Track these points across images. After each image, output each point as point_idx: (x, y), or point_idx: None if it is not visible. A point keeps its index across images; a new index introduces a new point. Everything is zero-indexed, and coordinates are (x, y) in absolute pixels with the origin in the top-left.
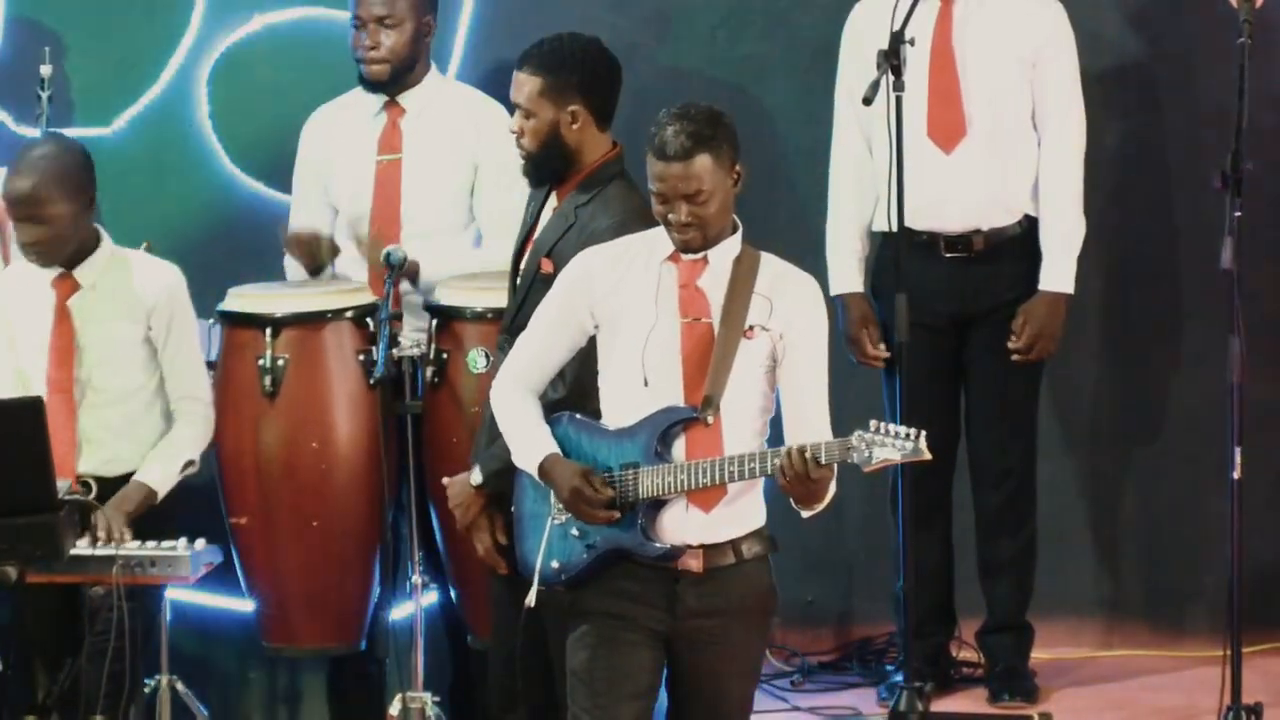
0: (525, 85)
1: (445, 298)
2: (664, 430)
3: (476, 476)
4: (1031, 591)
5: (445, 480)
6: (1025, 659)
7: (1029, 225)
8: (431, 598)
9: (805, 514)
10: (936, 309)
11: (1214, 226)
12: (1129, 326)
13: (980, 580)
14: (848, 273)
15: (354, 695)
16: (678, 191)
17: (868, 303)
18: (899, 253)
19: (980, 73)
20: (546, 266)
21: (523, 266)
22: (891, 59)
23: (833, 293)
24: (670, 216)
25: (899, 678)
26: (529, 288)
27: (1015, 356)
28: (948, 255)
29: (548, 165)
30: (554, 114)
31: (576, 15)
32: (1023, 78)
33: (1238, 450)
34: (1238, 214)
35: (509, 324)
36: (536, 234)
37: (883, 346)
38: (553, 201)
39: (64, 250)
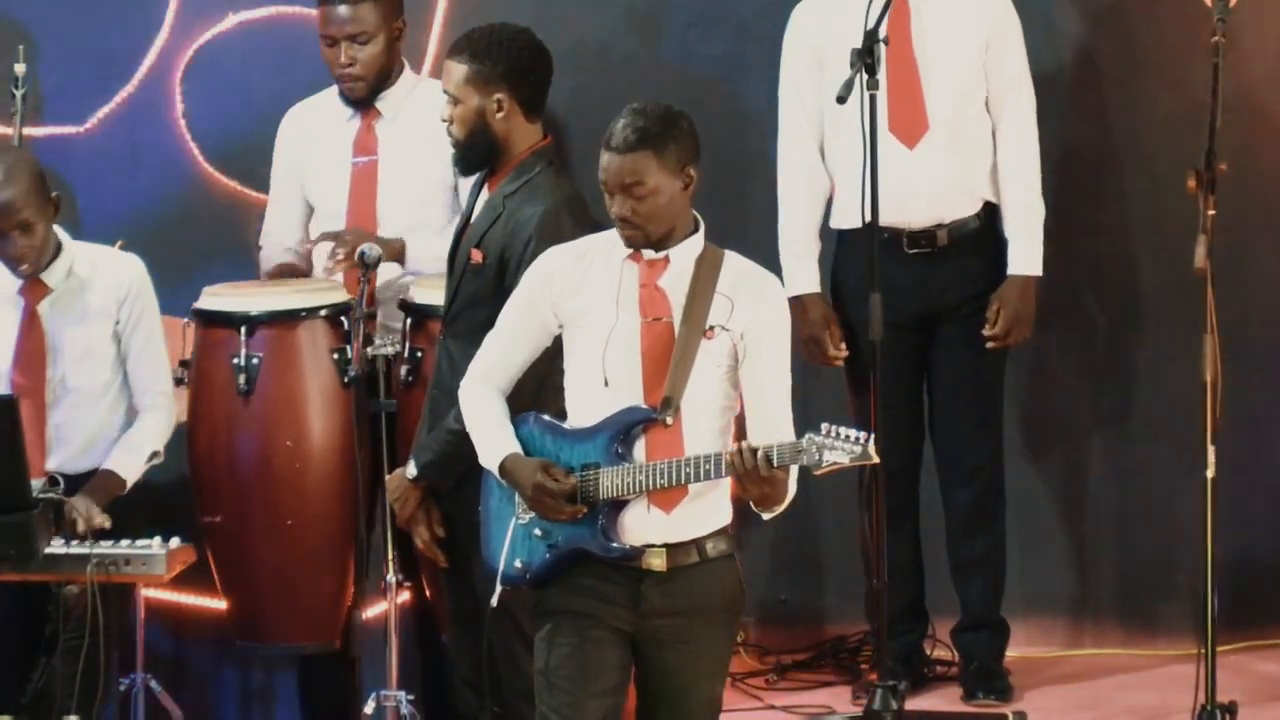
0: (453, 72)
1: (420, 296)
2: (624, 431)
3: (411, 469)
4: (1004, 587)
5: (387, 477)
6: (1000, 657)
7: (988, 214)
8: (405, 596)
9: (765, 516)
10: (902, 307)
11: (1187, 225)
12: (1103, 325)
13: (953, 578)
14: (804, 274)
15: (328, 694)
16: (617, 183)
17: (826, 303)
18: (872, 250)
19: (939, 66)
20: (476, 257)
21: (456, 258)
22: (865, 57)
23: (789, 294)
24: (612, 210)
25: (873, 676)
26: (460, 278)
27: (991, 344)
28: (911, 251)
29: (475, 153)
30: (479, 101)
31: (550, 13)
32: (978, 65)
33: (1211, 449)
34: (1211, 213)
35: (445, 315)
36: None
37: (845, 347)
38: (486, 193)
39: (44, 258)
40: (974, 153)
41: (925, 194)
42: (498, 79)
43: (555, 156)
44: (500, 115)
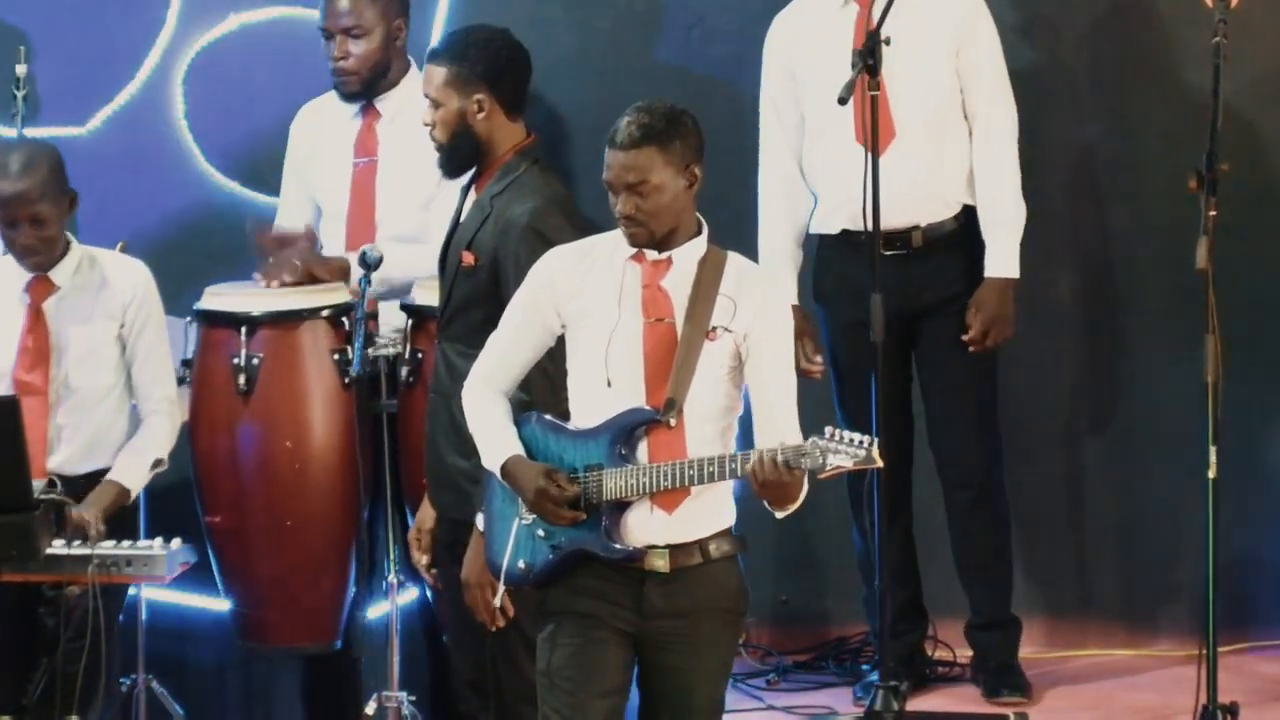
0: (433, 76)
1: (421, 298)
2: (626, 432)
3: (483, 523)
4: (1012, 583)
5: (464, 576)
6: (1016, 654)
7: (967, 217)
8: (407, 597)
9: (779, 514)
10: None
11: (1189, 226)
12: (1105, 326)
13: (961, 577)
14: (783, 284)
15: (329, 694)
16: (622, 181)
17: (801, 314)
18: (873, 251)
19: (905, 72)
20: (468, 259)
21: (448, 262)
22: (867, 58)
23: None
24: (616, 208)
25: (874, 677)
26: (452, 281)
27: (971, 347)
28: (887, 253)
29: (459, 155)
30: (460, 103)
31: (551, 15)
32: (948, 69)
33: (1213, 450)
34: (1213, 213)
35: (439, 318)
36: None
37: (819, 359)
38: (473, 194)
39: (56, 251)
40: (948, 158)
41: (895, 199)
42: (477, 79)
43: (541, 155)
44: (481, 115)
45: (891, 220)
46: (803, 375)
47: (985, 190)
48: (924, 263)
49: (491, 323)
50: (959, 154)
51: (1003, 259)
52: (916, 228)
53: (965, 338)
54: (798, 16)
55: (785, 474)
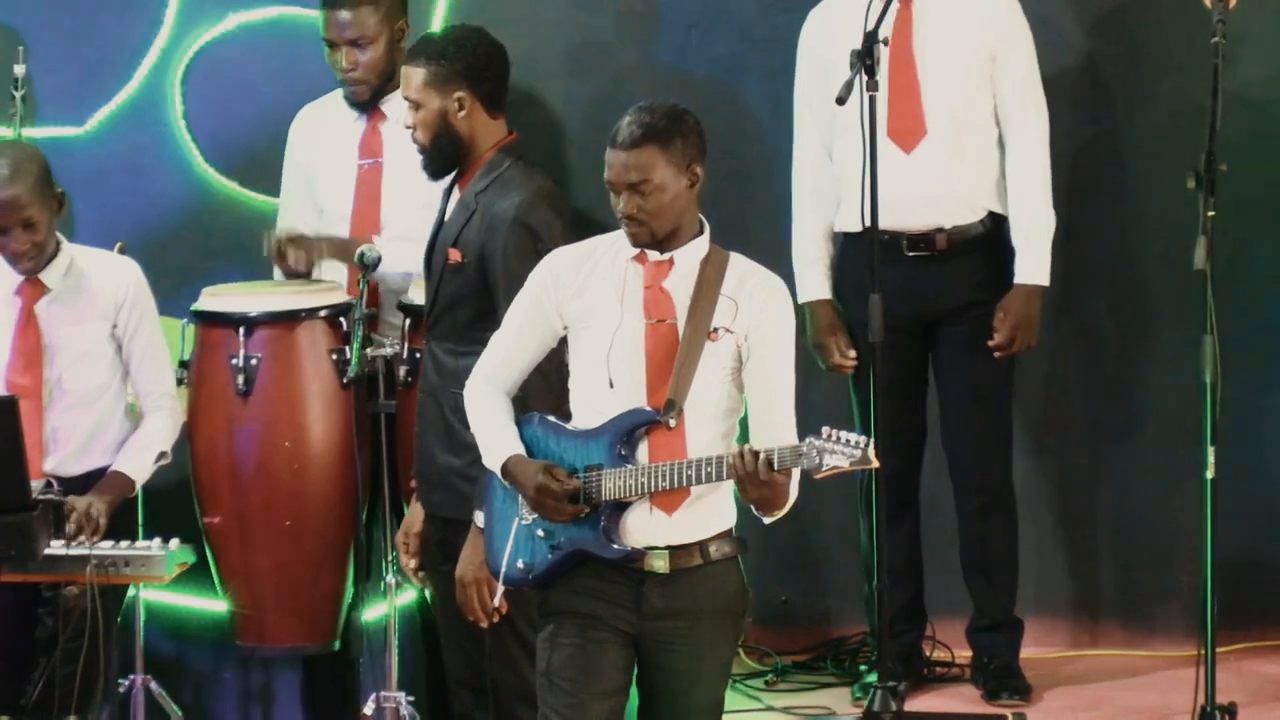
0: (412, 77)
1: (419, 297)
2: (627, 433)
3: (482, 519)
4: (1018, 586)
5: (460, 573)
6: (1017, 656)
7: (993, 223)
8: (406, 597)
9: (766, 520)
10: (899, 309)
11: (1187, 226)
12: (1103, 326)
13: (967, 579)
14: (814, 280)
15: (328, 695)
16: (623, 180)
17: (834, 309)
18: (872, 252)
19: (939, 72)
20: (454, 257)
21: (434, 260)
22: (865, 58)
23: (800, 300)
24: (618, 208)
25: (873, 677)
26: (439, 280)
27: (997, 353)
28: (910, 254)
29: (441, 156)
30: (441, 102)
31: (551, 14)
32: (983, 74)
33: (1211, 449)
34: (1211, 214)
35: (426, 318)
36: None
37: (852, 353)
38: (457, 194)
39: (47, 253)
40: (976, 162)
41: (921, 199)
42: (456, 77)
43: (524, 151)
44: (462, 114)
45: (915, 221)
46: (836, 371)
47: (1016, 197)
48: (946, 266)
49: (480, 320)
50: (987, 159)
51: (1033, 266)
52: (940, 230)
53: (991, 343)
54: (831, 10)
55: (764, 470)
